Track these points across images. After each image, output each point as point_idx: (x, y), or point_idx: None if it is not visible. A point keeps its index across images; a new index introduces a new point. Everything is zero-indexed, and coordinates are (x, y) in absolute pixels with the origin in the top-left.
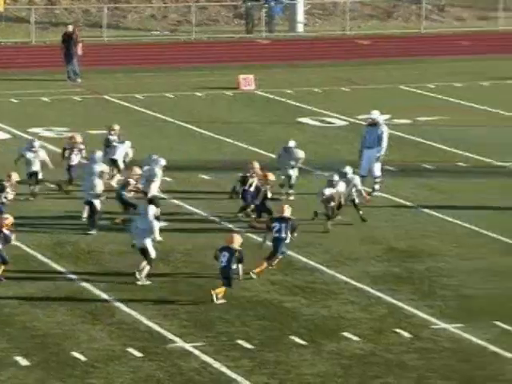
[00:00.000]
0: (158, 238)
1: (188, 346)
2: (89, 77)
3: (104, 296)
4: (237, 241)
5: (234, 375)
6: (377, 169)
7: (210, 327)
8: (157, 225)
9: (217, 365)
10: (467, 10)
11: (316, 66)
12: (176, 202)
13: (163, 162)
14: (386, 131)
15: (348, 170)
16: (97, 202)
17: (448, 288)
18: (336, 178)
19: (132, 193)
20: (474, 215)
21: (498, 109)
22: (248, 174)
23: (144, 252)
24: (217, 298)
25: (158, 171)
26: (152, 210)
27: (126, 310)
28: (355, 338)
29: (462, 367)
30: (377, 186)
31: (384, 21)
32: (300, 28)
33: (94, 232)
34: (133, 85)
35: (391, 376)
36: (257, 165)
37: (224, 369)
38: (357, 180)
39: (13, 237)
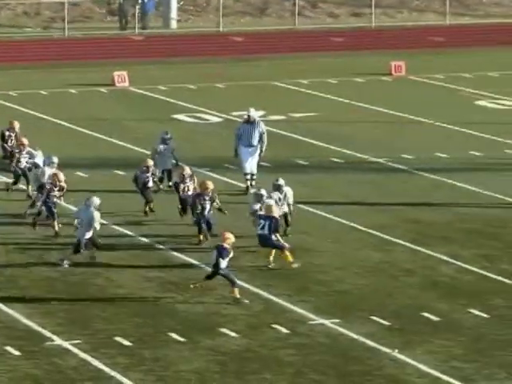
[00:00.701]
0: (97, 227)
1: (66, 344)
2: None
3: None
4: (227, 239)
5: (111, 372)
6: (255, 166)
7: (88, 325)
8: (97, 215)
9: (95, 362)
10: (340, 6)
11: (190, 62)
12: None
13: (55, 159)
14: (264, 128)
15: (281, 181)
16: None
17: (324, 284)
18: (263, 192)
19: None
20: (348, 211)
21: (372, 105)
22: (187, 181)
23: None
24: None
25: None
26: (96, 201)
27: (3, 308)
28: (232, 334)
29: (338, 362)
30: (254, 183)
31: (257, 17)
32: (173, 24)
33: None
34: (6, 82)
35: (267, 372)
36: (188, 170)
37: (102, 366)
38: (290, 192)
39: None
